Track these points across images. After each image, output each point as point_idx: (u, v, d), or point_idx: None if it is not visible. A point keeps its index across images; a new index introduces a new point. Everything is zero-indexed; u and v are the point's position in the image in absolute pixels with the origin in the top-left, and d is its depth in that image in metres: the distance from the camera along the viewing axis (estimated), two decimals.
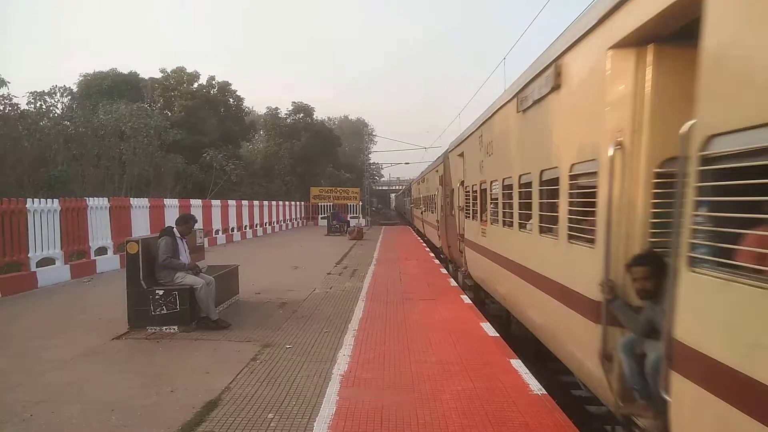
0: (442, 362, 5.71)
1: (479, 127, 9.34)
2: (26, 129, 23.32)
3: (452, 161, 13.66)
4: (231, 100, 44.59)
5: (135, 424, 4.18)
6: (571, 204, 4.65)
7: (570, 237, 4.64)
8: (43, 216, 11.27)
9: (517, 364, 5.63)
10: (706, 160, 2.56)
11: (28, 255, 10.81)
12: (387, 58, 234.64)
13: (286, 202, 35.89)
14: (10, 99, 23.32)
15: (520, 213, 6.53)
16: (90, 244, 12.93)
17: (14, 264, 10.65)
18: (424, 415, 4.26)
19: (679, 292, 2.75)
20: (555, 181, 4.98)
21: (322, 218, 37.14)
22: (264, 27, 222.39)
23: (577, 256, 4.49)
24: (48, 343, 6.60)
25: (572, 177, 4.62)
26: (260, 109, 56.39)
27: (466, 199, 11.03)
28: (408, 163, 74.63)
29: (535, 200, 5.73)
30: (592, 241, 4.15)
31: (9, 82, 22.20)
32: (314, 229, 34.13)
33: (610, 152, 3.73)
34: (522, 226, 6.45)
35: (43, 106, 27.79)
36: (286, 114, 50.78)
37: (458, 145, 12.34)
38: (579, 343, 4.53)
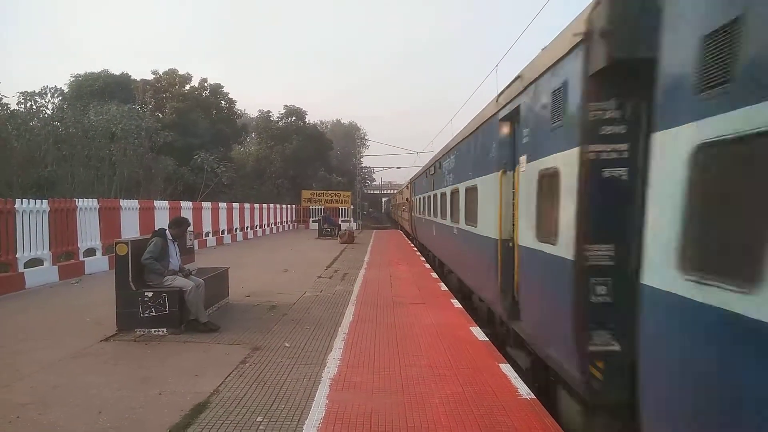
0: (431, 366, 5.73)
1: (415, 177, 23.54)
2: (16, 129, 23.18)
3: (411, 186, 25.85)
4: (223, 102, 44.63)
5: (122, 427, 4.15)
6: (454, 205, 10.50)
7: (466, 220, 9.11)
8: (31, 216, 11.17)
9: (506, 368, 5.66)
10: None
11: (16, 256, 10.70)
12: (380, 63, 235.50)
13: (277, 205, 35.78)
14: (0, 99, 23.20)
15: (440, 210, 13.53)
16: (79, 245, 12.82)
17: (2, 264, 10.55)
18: (413, 419, 4.27)
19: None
20: (455, 193, 10.40)
21: (313, 221, 37.07)
22: (256, 31, 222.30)
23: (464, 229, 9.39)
24: (35, 344, 6.54)
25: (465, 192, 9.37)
26: (252, 112, 56.44)
27: (417, 204, 21.82)
28: (400, 168, 74.45)
29: (445, 204, 12.20)
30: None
31: None
32: (305, 233, 34.06)
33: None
34: (442, 216, 12.99)
35: (34, 107, 27.65)
36: (278, 117, 50.88)
37: (411, 181, 26.70)
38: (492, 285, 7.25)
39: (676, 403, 2.82)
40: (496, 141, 6.79)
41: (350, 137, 70.15)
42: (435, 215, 14.73)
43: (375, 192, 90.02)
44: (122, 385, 5.10)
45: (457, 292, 10.53)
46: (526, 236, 5.44)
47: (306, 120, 52.23)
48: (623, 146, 3.69)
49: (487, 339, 6.93)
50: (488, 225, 7.26)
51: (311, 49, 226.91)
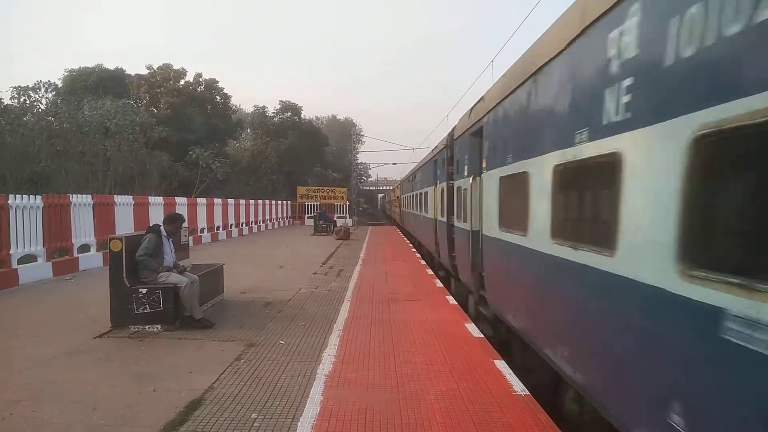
0: (426, 363, 5.74)
1: (403, 180, 32.12)
2: (9, 124, 23.05)
3: (400, 187, 33.34)
4: (218, 97, 44.43)
5: (117, 424, 4.14)
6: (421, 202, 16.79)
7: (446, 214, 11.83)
8: (25, 212, 11.10)
9: (501, 365, 5.68)
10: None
11: (10, 252, 10.64)
12: (377, 59, 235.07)
13: (273, 201, 35.72)
14: None
15: (416, 204, 19.95)
16: (73, 242, 12.76)
17: None
18: (408, 416, 4.28)
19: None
20: (425, 195, 16.51)
21: (308, 218, 37.01)
22: (252, 26, 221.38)
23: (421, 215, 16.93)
24: (29, 341, 6.52)
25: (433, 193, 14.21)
26: (247, 108, 56.22)
27: (404, 201, 28.47)
28: (396, 164, 74.62)
29: (420, 201, 18.08)
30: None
31: None
32: (301, 229, 34.02)
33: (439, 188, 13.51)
34: (416, 207, 19.89)
35: (27, 101, 27.45)
36: (273, 112, 50.66)
37: (400, 183, 35.18)
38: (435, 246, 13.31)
39: (494, 283, 7.08)
40: (434, 166, 14.39)
41: (346, 133, 69.94)
42: (409, 207, 24.20)
43: (371, 188, 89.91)
44: (116, 381, 5.09)
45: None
46: (449, 218, 11.26)
47: (302, 116, 52.04)
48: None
49: (482, 335, 6.95)
50: (432, 212, 14.58)
51: (307, 45, 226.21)
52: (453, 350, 6.23)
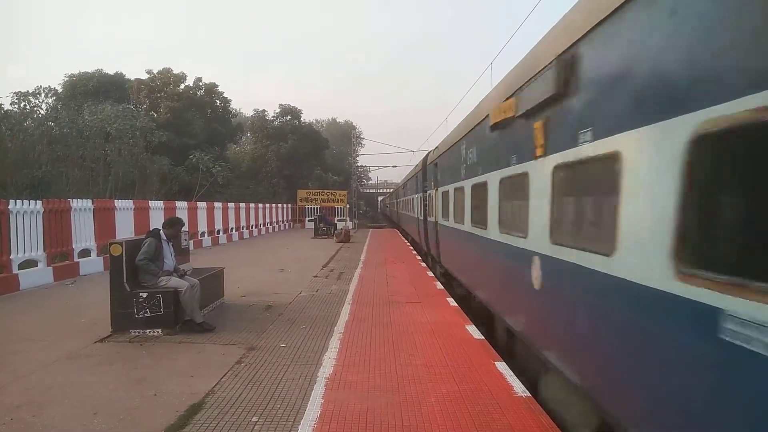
0: (427, 365, 5.74)
1: (396, 188, 46.10)
2: (9, 129, 23.07)
3: (395, 193, 45.42)
4: (218, 101, 44.44)
5: (117, 428, 4.14)
6: (417, 205, 19.93)
7: (424, 213, 16.66)
8: (25, 217, 11.12)
9: (501, 366, 5.67)
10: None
11: (10, 257, 10.66)
12: (376, 61, 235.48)
13: (273, 205, 35.74)
14: None
15: (403, 206, 28.01)
16: (73, 246, 12.78)
17: None
18: (409, 418, 4.28)
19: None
20: (412, 200, 22.33)
21: (309, 221, 36.98)
22: (251, 30, 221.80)
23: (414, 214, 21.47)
24: (30, 346, 6.52)
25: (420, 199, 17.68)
26: (247, 111, 56.27)
27: (399, 203, 34.51)
28: (396, 166, 74.53)
29: (409, 204, 24.04)
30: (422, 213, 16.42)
31: None
32: (301, 232, 34.04)
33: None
34: (407, 209, 25.71)
35: (27, 107, 27.48)
36: (273, 116, 50.68)
37: (394, 190, 48.84)
38: (418, 235, 18.96)
39: (444, 250, 12.13)
40: (419, 179, 18.37)
41: (346, 136, 70.04)
42: (402, 209, 30.51)
43: (371, 191, 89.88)
44: (117, 385, 5.10)
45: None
46: (425, 215, 16.09)
47: (301, 119, 52.08)
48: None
49: (483, 337, 6.94)
50: (416, 212, 19.50)
51: (307, 48, 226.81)
52: (453, 352, 6.23)
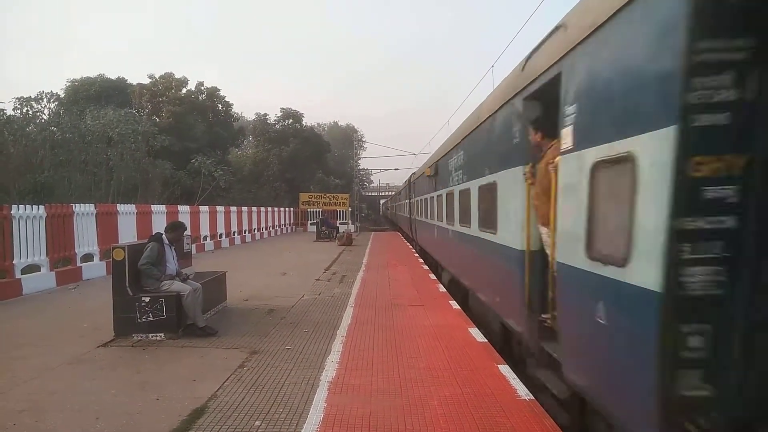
0: (430, 368, 5.72)
1: (394, 194, 51.46)
2: (12, 135, 23.13)
3: (393, 198, 52.53)
4: (219, 105, 44.56)
5: None
6: (405, 208, 28.07)
7: (409, 213, 24.08)
8: (28, 222, 11.14)
9: (504, 369, 5.65)
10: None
11: (13, 262, 10.66)
12: (378, 64, 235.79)
13: (275, 208, 35.76)
14: None
15: (402, 209, 31.68)
16: (76, 251, 12.79)
17: None
18: (412, 422, 4.26)
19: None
20: (404, 204, 29.50)
21: (311, 224, 37.03)
22: (252, 34, 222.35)
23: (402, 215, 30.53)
24: (32, 350, 6.52)
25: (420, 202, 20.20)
26: (249, 115, 56.39)
27: (396, 207, 41.75)
28: (398, 169, 74.60)
29: (403, 208, 30.31)
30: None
31: None
32: (303, 235, 34.06)
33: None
34: (401, 211, 33.09)
35: (30, 112, 27.55)
36: (275, 120, 50.77)
37: (394, 195, 52.99)
38: (409, 229, 25.62)
39: (420, 235, 19.77)
40: (407, 191, 25.92)
41: (348, 139, 70.18)
42: (398, 211, 36.86)
43: (373, 194, 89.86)
44: (120, 390, 5.09)
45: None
46: (413, 215, 22.30)
47: (303, 122, 52.18)
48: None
49: (486, 340, 6.92)
50: (407, 213, 26.20)
51: (308, 51, 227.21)
52: (457, 355, 6.21)
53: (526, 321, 5.22)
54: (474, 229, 7.96)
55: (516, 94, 5.40)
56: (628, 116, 3.11)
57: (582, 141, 3.77)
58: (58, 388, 5.15)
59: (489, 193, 6.73)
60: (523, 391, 4.97)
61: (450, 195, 10.74)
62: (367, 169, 73.63)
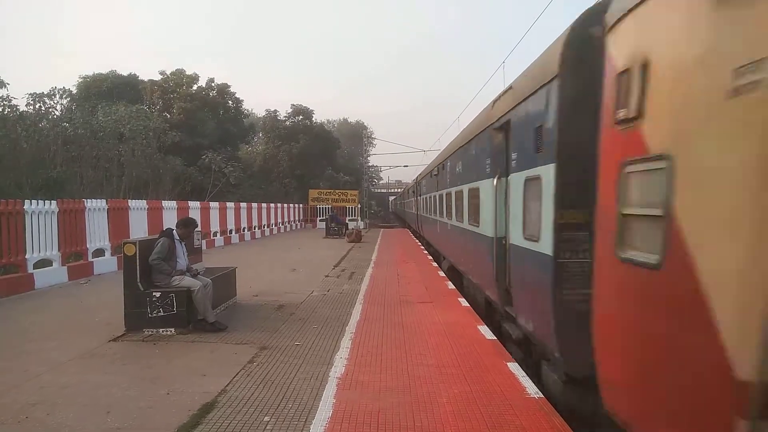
0: (439, 365, 5.71)
1: (401, 193, 61.46)
2: (25, 130, 23.30)
3: (400, 196, 60.35)
4: (230, 102, 44.66)
5: (130, 427, 4.16)
6: (412, 205, 33.18)
7: (416, 209, 27.49)
8: (40, 217, 11.25)
9: (514, 367, 5.63)
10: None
11: (26, 256, 10.79)
12: (388, 60, 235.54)
13: (285, 205, 35.85)
14: (10, 100, 23.36)
15: (410, 206, 35.26)
16: (88, 246, 12.90)
17: (11, 265, 10.63)
18: (420, 419, 4.25)
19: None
20: (411, 201, 33.81)
21: (320, 220, 37.02)
22: (263, 30, 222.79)
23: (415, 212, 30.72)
24: (44, 345, 6.59)
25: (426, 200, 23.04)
26: (259, 111, 56.45)
27: (405, 203, 45.57)
28: (407, 166, 74.51)
29: (411, 205, 33.30)
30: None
31: (8, 84, 22.26)
32: (313, 232, 34.13)
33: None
34: (409, 208, 36.47)
35: (42, 108, 27.76)
36: (285, 116, 50.75)
37: (402, 193, 59.81)
38: (415, 222, 29.16)
39: (423, 226, 23.62)
40: (414, 188, 30.31)
41: (357, 136, 70.14)
42: (407, 208, 39.86)
43: (382, 191, 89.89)
44: (130, 385, 5.12)
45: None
46: (418, 211, 26.45)
47: (313, 119, 52.16)
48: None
49: (495, 338, 6.90)
50: (414, 209, 30.10)
51: (319, 47, 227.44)
52: (465, 352, 6.19)
53: (496, 291, 7.11)
54: (465, 223, 10.09)
55: (489, 125, 7.53)
56: (538, 154, 5.12)
57: (518, 167, 5.96)
58: (70, 382, 5.19)
59: (476, 195, 8.79)
60: (532, 389, 4.95)
61: (448, 195, 12.88)
62: (376, 166, 73.70)
